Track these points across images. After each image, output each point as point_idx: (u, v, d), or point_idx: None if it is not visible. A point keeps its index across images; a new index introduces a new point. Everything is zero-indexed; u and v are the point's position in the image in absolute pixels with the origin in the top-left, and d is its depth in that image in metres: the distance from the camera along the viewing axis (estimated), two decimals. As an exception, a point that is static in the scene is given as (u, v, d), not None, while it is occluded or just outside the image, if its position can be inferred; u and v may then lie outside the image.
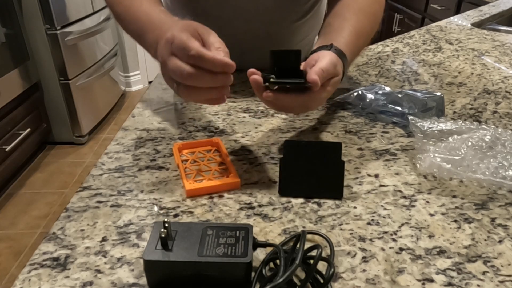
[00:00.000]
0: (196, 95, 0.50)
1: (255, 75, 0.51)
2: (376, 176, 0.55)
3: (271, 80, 0.50)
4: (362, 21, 0.68)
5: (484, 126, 0.60)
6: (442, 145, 0.56)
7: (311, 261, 0.38)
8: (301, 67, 0.53)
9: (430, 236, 0.44)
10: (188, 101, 0.66)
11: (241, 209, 0.49)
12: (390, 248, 0.43)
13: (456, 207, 0.49)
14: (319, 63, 0.53)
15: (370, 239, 0.44)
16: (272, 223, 0.46)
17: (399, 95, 0.68)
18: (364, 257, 0.42)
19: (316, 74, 0.51)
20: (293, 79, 0.51)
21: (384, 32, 2.95)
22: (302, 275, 0.39)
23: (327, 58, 0.54)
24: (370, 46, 1.06)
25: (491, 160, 0.54)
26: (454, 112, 0.72)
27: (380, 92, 0.70)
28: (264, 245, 0.42)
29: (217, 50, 0.49)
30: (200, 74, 0.47)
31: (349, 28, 0.66)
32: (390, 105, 0.68)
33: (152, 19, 0.61)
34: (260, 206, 0.49)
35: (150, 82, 1.98)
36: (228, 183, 0.52)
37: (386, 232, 0.45)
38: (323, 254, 0.39)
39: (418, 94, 0.67)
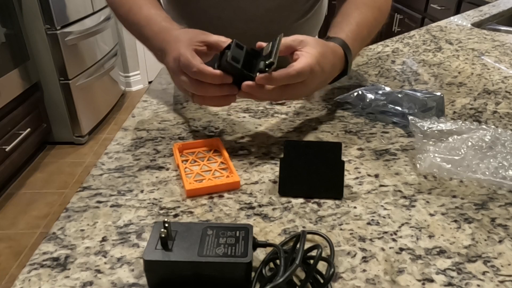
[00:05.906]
0: (208, 102, 0.58)
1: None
2: (376, 176, 0.55)
3: (227, 60, 0.53)
4: (365, 14, 0.70)
5: (484, 126, 0.60)
6: (442, 145, 0.56)
7: (311, 261, 0.38)
8: (286, 44, 0.57)
9: (430, 236, 0.44)
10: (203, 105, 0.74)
11: (241, 209, 0.49)
12: (390, 248, 0.43)
13: (456, 207, 0.49)
14: (295, 65, 0.54)
15: (370, 239, 0.44)
16: (272, 223, 0.46)
17: (399, 95, 0.68)
18: (364, 257, 0.42)
19: (266, 79, 0.53)
20: (244, 69, 0.54)
21: (384, 32, 2.94)
22: (302, 275, 0.39)
23: (303, 61, 0.54)
24: (370, 46, 1.06)
25: (491, 160, 0.54)
26: (454, 112, 0.72)
27: (380, 92, 0.70)
28: (264, 245, 0.42)
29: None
30: (205, 86, 0.55)
31: (351, 20, 0.68)
32: (390, 105, 0.68)
33: (152, 27, 0.65)
34: (260, 206, 0.49)
35: (150, 82, 1.98)
36: (228, 183, 0.52)
37: (386, 232, 0.45)
38: (323, 254, 0.39)
39: (418, 94, 0.67)
